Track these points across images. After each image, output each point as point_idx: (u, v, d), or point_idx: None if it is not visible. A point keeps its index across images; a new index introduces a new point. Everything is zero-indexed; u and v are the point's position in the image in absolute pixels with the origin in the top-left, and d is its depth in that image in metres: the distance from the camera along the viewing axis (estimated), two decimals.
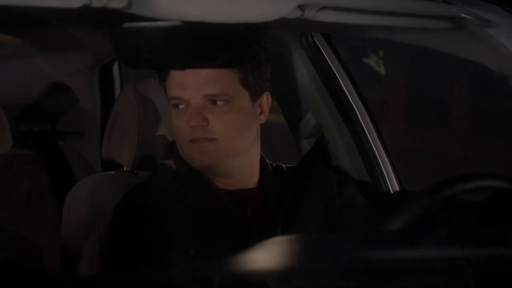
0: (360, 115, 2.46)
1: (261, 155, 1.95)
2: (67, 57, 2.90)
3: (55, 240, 2.14)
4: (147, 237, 1.78)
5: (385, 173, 2.46)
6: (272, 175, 1.95)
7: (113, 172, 2.11)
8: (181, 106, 1.84)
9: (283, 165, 2.01)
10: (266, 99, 1.91)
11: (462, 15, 1.79)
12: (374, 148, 2.46)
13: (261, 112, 1.91)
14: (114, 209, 1.87)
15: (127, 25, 1.71)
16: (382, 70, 9.29)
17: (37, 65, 2.96)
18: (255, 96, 1.88)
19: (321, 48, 2.45)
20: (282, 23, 1.63)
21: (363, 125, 2.46)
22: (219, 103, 1.83)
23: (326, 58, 2.45)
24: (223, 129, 1.83)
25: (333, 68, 2.45)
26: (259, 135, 1.93)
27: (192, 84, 1.82)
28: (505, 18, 1.82)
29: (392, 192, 2.45)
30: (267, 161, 1.97)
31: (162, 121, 2.05)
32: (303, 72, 2.47)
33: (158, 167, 2.05)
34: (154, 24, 1.57)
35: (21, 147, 2.88)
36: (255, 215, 1.88)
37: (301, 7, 1.60)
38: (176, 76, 1.84)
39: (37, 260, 1.93)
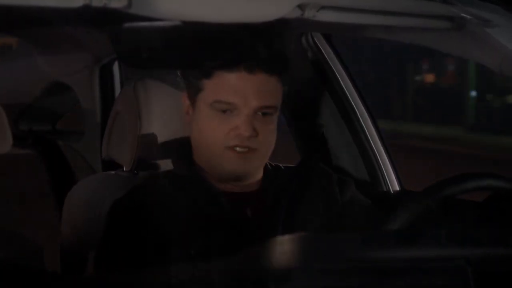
0: (360, 115, 2.46)
1: None
2: (67, 56, 2.90)
3: (55, 240, 2.14)
4: (145, 237, 1.78)
5: (385, 173, 2.47)
6: (273, 176, 1.95)
7: (113, 172, 2.11)
8: (227, 112, 1.79)
9: (281, 165, 2.00)
10: None
11: (462, 15, 1.79)
12: (374, 148, 2.46)
13: None
14: (113, 209, 1.87)
15: (127, 25, 1.71)
16: None
17: (37, 64, 2.96)
18: None
19: (321, 48, 2.45)
20: (282, 23, 1.62)
21: (363, 125, 2.46)
22: (267, 114, 1.81)
23: (326, 58, 2.45)
24: (265, 140, 1.82)
25: (333, 68, 2.45)
26: None
27: (248, 92, 1.78)
28: (505, 18, 1.82)
29: (392, 192, 2.45)
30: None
31: (162, 121, 2.04)
32: (303, 72, 2.47)
33: (158, 167, 2.05)
34: (154, 24, 1.57)
35: (21, 147, 2.87)
36: (255, 215, 1.88)
37: (301, 7, 1.61)
38: (229, 79, 1.78)
39: (37, 260, 1.93)
